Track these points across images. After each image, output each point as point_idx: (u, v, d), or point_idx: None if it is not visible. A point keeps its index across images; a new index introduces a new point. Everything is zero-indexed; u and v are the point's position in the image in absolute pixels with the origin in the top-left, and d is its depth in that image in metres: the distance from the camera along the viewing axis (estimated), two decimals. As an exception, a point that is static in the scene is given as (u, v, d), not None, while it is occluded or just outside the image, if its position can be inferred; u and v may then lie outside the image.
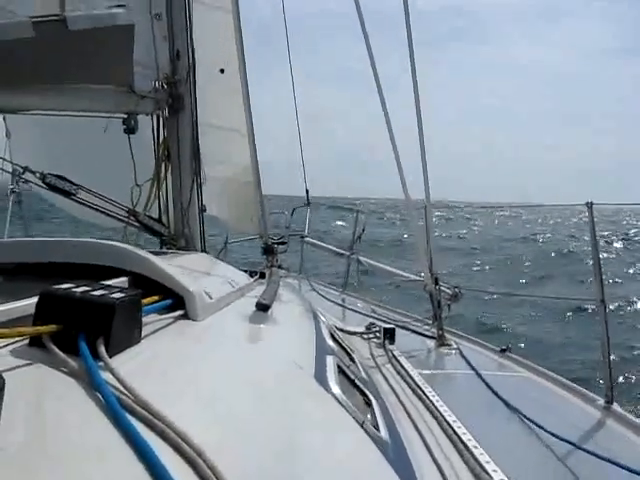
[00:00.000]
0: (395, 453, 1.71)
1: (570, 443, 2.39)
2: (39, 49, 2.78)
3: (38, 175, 3.20)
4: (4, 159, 3.53)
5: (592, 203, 3.51)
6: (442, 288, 4.70)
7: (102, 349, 1.13)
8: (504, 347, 4.38)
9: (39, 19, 2.67)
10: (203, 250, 3.97)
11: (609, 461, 2.24)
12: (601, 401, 3.25)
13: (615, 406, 3.21)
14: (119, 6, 3.11)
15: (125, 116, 3.44)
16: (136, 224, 3.63)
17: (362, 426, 1.62)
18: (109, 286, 1.35)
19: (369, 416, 1.85)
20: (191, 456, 0.90)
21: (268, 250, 5.02)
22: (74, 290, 1.23)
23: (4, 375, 0.84)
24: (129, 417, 0.94)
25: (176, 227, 3.83)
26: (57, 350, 1.11)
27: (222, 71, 4.32)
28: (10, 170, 3.48)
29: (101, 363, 1.09)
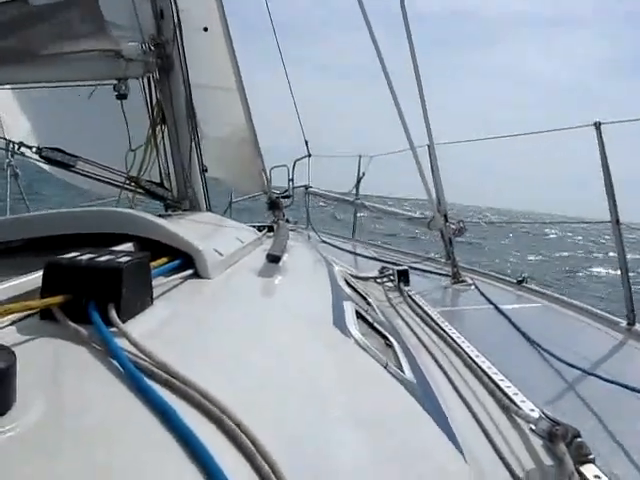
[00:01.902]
0: (422, 393, 1.70)
1: (595, 375, 2.38)
2: (13, 24, 2.72)
3: (34, 150, 3.16)
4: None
5: (600, 123, 3.44)
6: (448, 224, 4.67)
7: (114, 315, 1.11)
8: (520, 279, 4.38)
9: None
10: (208, 210, 3.95)
11: (635, 390, 2.23)
12: (623, 323, 3.25)
13: (637, 327, 3.20)
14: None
15: (115, 82, 3.38)
16: (138, 190, 3.60)
17: (386, 368, 1.61)
18: (115, 251, 1.33)
19: (392, 358, 1.84)
20: (215, 414, 0.89)
21: (273, 205, 4.99)
22: (79, 258, 1.20)
23: (17, 350, 0.82)
24: (148, 381, 0.92)
25: (179, 189, 3.80)
26: (68, 321, 1.09)
27: (205, 29, 4.23)
28: (3, 147, 3.45)
29: (114, 329, 1.07)
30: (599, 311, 3.53)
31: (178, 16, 3.64)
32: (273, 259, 2.26)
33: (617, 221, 3.45)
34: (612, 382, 2.33)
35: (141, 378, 0.92)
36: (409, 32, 4.10)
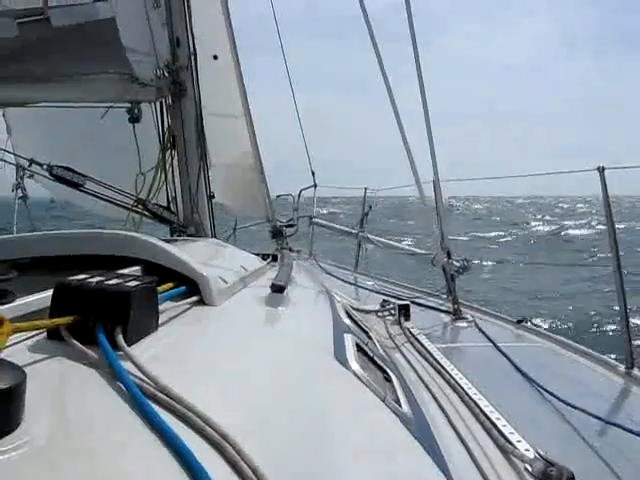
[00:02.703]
0: (418, 428, 1.70)
1: (592, 415, 2.37)
2: (31, 44, 2.77)
3: (45, 167, 3.19)
4: (9, 152, 3.52)
5: (604, 167, 3.46)
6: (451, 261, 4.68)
7: (120, 338, 1.12)
8: (520, 318, 4.37)
9: (22, 19, 2.65)
10: (213, 236, 3.97)
11: (630, 431, 2.22)
12: (622, 367, 3.24)
13: (636, 370, 3.19)
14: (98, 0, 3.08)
15: (129, 105, 3.43)
16: (145, 213, 3.62)
17: (384, 402, 1.61)
18: (124, 275, 1.34)
19: (390, 392, 1.84)
20: (216, 440, 0.90)
21: (277, 233, 5.01)
22: (89, 280, 1.22)
23: (25, 369, 0.83)
24: (152, 404, 0.94)
25: (185, 214, 3.83)
26: (75, 342, 1.10)
27: (215, 57, 4.29)
28: (14, 163, 3.47)
29: (120, 352, 1.09)
30: (599, 354, 3.52)
31: (194, 44, 3.71)
32: (277, 289, 2.27)
33: (619, 267, 3.46)
34: (609, 423, 2.33)
35: (145, 401, 0.93)
36: (419, 65, 4.13)
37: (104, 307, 1.16)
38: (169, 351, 1.31)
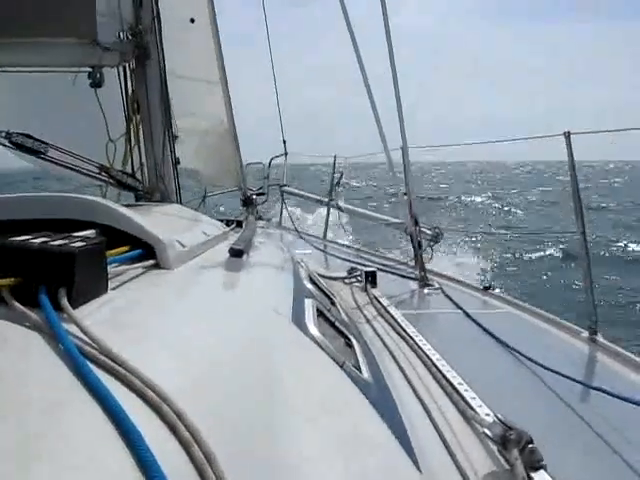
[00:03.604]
0: (377, 392, 1.70)
1: (556, 373, 2.40)
2: None
3: (3, 134, 3.11)
4: None
5: (570, 132, 3.47)
6: (422, 229, 4.70)
7: (64, 300, 1.09)
8: (487, 285, 4.41)
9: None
10: (179, 203, 3.92)
11: (597, 389, 2.25)
12: (585, 333, 3.28)
13: (599, 337, 3.24)
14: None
15: (90, 69, 3.34)
16: (109, 180, 3.56)
17: (342, 367, 1.61)
18: (71, 236, 1.31)
19: (350, 358, 1.84)
20: (156, 402, 0.88)
21: (247, 201, 4.99)
22: (32, 241, 1.19)
23: None
24: (92, 366, 0.91)
25: (150, 181, 3.77)
26: (17, 304, 1.07)
27: (192, 20, 4.22)
28: None
29: (64, 315, 1.06)
30: (563, 321, 3.57)
31: (157, 5, 3.62)
32: (235, 253, 2.25)
33: (583, 232, 3.49)
34: (572, 379, 2.36)
35: (84, 363, 0.91)
36: (388, 31, 4.10)
37: (47, 268, 1.13)
38: (116, 314, 1.29)
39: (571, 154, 3.48)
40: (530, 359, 2.56)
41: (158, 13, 3.61)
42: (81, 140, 3.54)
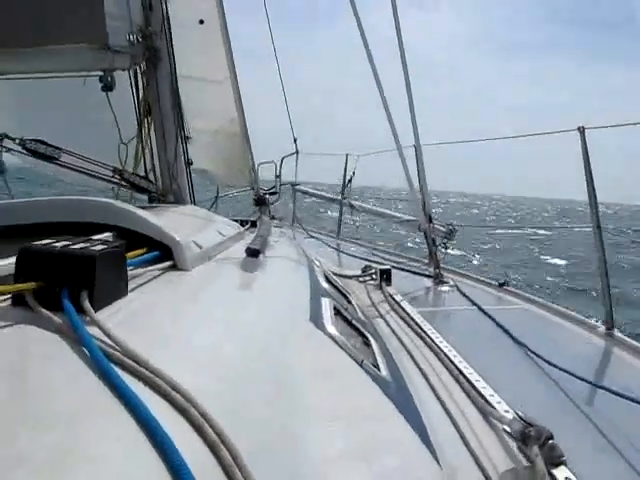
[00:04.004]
0: (396, 391, 1.70)
1: (573, 375, 2.39)
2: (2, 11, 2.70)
3: (17, 141, 3.13)
4: None
5: (584, 128, 3.45)
6: (436, 226, 4.69)
7: (86, 303, 1.10)
8: (502, 281, 4.40)
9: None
10: (193, 204, 3.93)
11: (612, 392, 2.24)
12: (602, 328, 3.26)
13: (616, 332, 3.22)
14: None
15: (101, 73, 3.35)
16: (123, 183, 3.58)
17: (361, 365, 1.61)
18: (91, 239, 1.32)
19: (368, 356, 1.84)
20: (181, 404, 0.89)
21: (260, 201, 4.99)
22: (54, 245, 1.20)
23: None
24: (117, 369, 0.92)
25: (163, 182, 3.78)
26: (40, 307, 1.08)
27: (202, 22, 4.22)
28: None
29: (86, 317, 1.07)
30: (579, 315, 3.55)
31: (166, 8, 3.63)
32: (252, 253, 2.25)
33: (598, 226, 3.47)
34: (590, 383, 2.35)
35: (109, 366, 0.92)
36: (399, 31, 4.09)
37: (69, 272, 1.14)
38: (137, 316, 1.29)
39: (585, 149, 3.45)
40: (542, 357, 2.54)
41: (168, 15, 3.61)
42: (93, 143, 3.56)
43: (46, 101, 3.83)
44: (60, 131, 3.52)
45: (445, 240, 4.78)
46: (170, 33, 3.63)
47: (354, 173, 7.44)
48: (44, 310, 1.07)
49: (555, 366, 2.44)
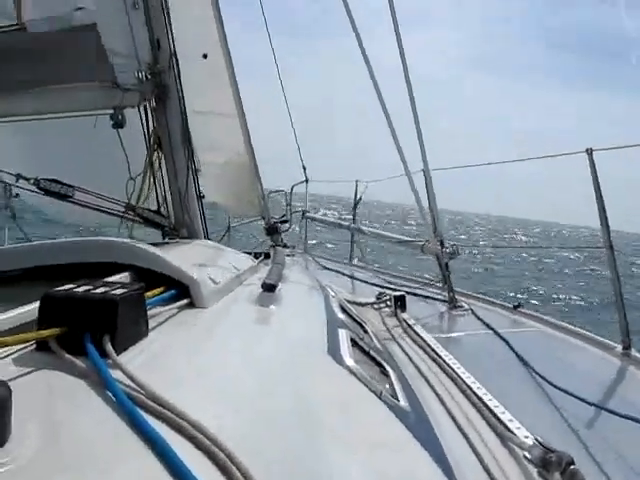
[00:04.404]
0: (416, 421, 1.69)
1: (590, 403, 2.37)
2: (9, 55, 2.75)
3: (32, 181, 3.17)
4: None
5: (592, 150, 3.46)
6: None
7: (109, 347, 1.12)
8: (516, 304, 4.37)
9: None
10: (206, 237, 3.95)
11: (630, 418, 2.22)
12: (619, 348, 3.24)
13: (633, 351, 3.19)
14: (78, 9, 3.05)
15: (112, 111, 3.40)
16: (136, 218, 3.61)
17: (380, 397, 1.61)
18: (111, 282, 1.34)
19: (387, 386, 1.84)
20: (207, 445, 0.90)
21: (271, 230, 5.00)
22: (75, 290, 1.21)
23: (12, 382, 0.83)
24: (142, 413, 0.93)
25: (176, 217, 3.81)
26: (64, 353, 1.10)
27: (205, 56, 4.26)
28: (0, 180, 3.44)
29: (109, 361, 1.08)
30: (595, 336, 3.53)
31: (174, 45, 3.67)
32: (268, 288, 2.26)
33: (610, 247, 3.46)
34: (607, 410, 2.33)
35: (135, 410, 0.93)
36: (402, 53, 4.12)
37: (91, 316, 1.15)
38: (159, 357, 1.31)
39: (594, 171, 3.45)
40: (561, 388, 2.52)
41: (175, 52, 3.66)
42: (104, 181, 3.60)
43: (59, 141, 3.88)
44: (72, 170, 3.56)
45: (449, 259, 4.74)
46: (178, 69, 3.67)
47: (361, 198, 7.50)
48: (68, 355, 1.09)
49: (572, 394, 2.42)
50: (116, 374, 1.04)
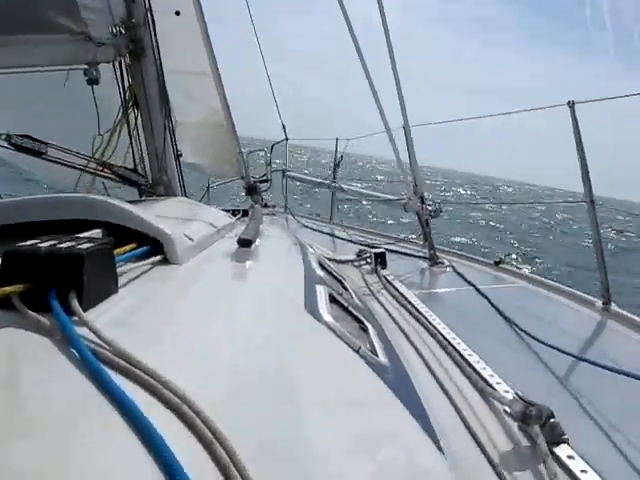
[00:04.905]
0: (396, 377, 1.69)
1: (570, 354, 2.39)
2: None
3: (3, 136, 3.10)
4: None
5: (574, 102, 3.44)
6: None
7: (75, 303, 1.08)
8: (497, 260, 4.39)
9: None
10: (183, 195, 3.91)
11: (609, 368, 2.24)
12: (599, 303, 3.27)
13: (613, 306, 3.22)
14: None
15: (86, 67, 3.32)
16: (111, 176, 3.55)
17: (358, 352, 1.60)
18: (78, 238, 1.30)
19: (366, 343, 1.83)
20: (174, 402, 0.88)
21: (251, 190, 4.97)
22: (40, 245, 1.17)
23: None
24: (108, 370, 0.91)
25: (153, 175, 3.76)
26: (27, 310, 1.06)
27: (177, 13, 4.16)
28: None
29: (75, 318, 1.05)
30: (576, 291, 3.55)
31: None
32: (244, 243, 2.23)
33: (592, 201, 3.46)
34: (588, 361, 2.34)
35: (100, 367, 0.90)
36: (382, 6, 4.05)
37: (56, 272, 1.12)
38: (128, 314, 1.28)
39: (576, 124, 3.44)
40: (537, 337, 2.54)
41: (150, 6, 3.57)
42: (77, 138, 3.54)
43: (29, 95, 3.79)
44: (44, 125, 3.49)
45: (429, 218, 4.74)
46: (154, 24, 3.60)
47: (342, 157, 7.48)
48: (32, 312, 1.05)
49: (552, 346, 2.44)
50: (82, 331, 1.01)
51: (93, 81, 3.33)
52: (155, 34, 3.63)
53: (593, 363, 2.31)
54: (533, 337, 2.57)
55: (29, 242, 1.20)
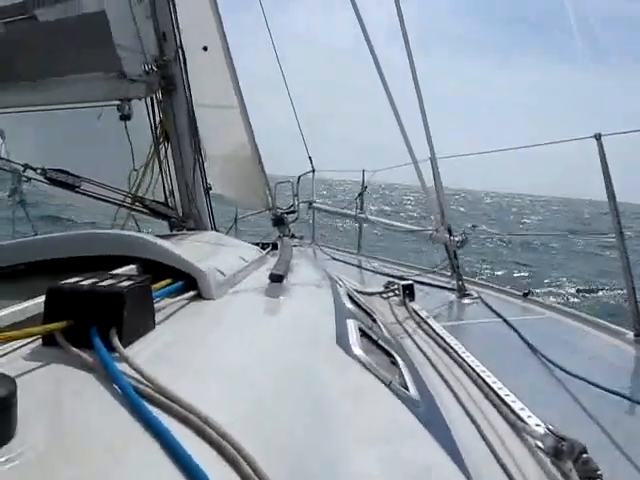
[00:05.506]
0: (426, 410, 1.69)
1: (602, 388, 2.35)
2: (17, 45, 2.75)
3: (39, 171, 3.18)
4: (3, 158, 3.51)
5: (600, 135, 3.42)
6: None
7: (115, 340, 1.11)
8: (525, 291, 4.35)
9: (7, 19, 2.64)
10: (213, 228, 3.95)
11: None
12: (630, 334, 3.22)
13: None
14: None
15: (118, 103, 3.40)
16: (143, 210, 3.61)
17: (389, 387, 1.60)
18: (117, 275, 1.33)
19: (396, 376, 1.83)
20: (215, 439, 0.89)
21: (278, 221, 5.00)
22: (81, 283, 1.21)
23: (19, 377, 0.83)
24: (149, 406, 0.93)
25: (183, 208, 3.81)
26: (70, 346, 1.09)
27: (205, 49, 4.25)
28: (9, 169, 3.46)
29: (116, 354, 1.08)
30: (606, 322, 3.51)
31: (180, 37, 3.67)
32: (276, 278, 2.25)
33: (621, 233, 3.43)
34: (619, 394, 2.31)
35: (142, 403, 0.93)
36: (407, 40, 4.09)
37: (97, 309, 1.15)
38: (166, 350, 1.30)
39: (603, 156, 3.42)
40: (572, 373, 2.50)
41: (182, 44, 3.66)
42: (111, 174, 3.61)
43: (66, 132, 3.88)
44: (79, 162, 3.57)
45: (458, 248, 4.72)
46: (185, 61, 3.67)
47: (366, 187, 7.49)
48: (74, 349, 1.08)
49: (583, 379, 2.41)
50: (123, 367, 1.03)
51: (126, 117, 3.40)
52: (186, 70, 3.71)
53: (625, 397, 2.27)
54: (563, 369, 2.54)
55: (71, 280, 1.23)
